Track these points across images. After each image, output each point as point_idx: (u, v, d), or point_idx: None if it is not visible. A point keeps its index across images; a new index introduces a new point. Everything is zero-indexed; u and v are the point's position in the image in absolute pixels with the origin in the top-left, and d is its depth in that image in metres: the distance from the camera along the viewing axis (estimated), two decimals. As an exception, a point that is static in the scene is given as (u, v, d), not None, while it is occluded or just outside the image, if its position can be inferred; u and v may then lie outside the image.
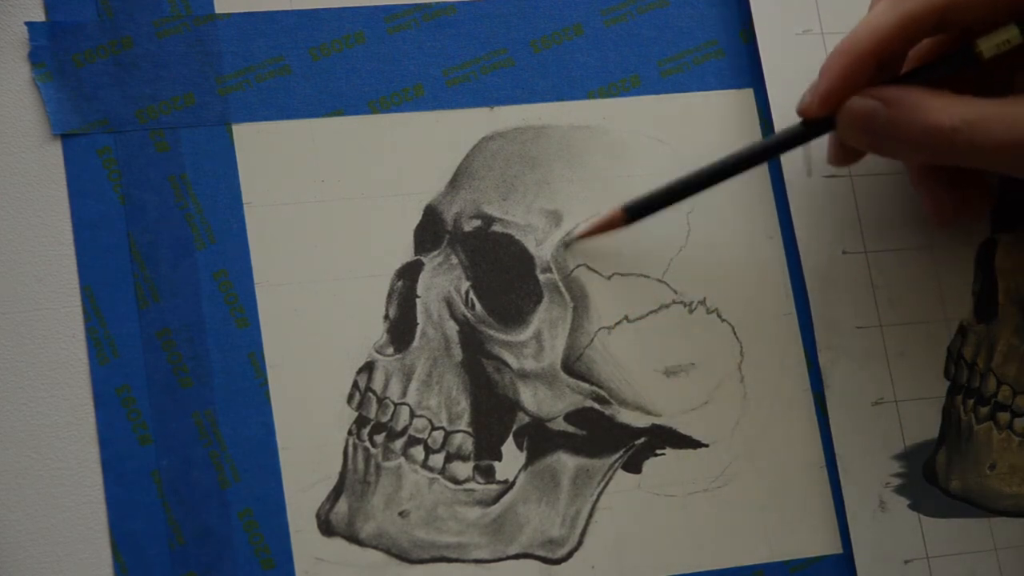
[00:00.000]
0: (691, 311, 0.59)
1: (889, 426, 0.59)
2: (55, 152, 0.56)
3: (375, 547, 0.55)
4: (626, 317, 0.59)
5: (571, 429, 0.57)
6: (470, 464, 0.57)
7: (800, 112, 0.56)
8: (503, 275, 0.58)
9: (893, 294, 0.61)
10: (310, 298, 0.57)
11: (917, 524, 0.59)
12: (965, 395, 0.61)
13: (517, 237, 0.59)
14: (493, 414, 0.57)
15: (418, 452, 0.56)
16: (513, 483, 0.57)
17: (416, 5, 0.60)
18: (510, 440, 0.57)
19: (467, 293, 0.58)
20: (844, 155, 0.58)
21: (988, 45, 0.54)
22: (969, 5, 0.53)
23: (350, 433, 0.56)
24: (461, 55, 0.60)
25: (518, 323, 0.58)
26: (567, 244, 0.59)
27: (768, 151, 0.57)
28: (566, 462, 0.57)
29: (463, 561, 0.55)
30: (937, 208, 0.59)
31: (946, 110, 0.52)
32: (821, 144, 0.61)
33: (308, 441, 0.55)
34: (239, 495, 0.54)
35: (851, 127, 0.54)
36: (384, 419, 0.56)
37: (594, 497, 0.57)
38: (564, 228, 0.59)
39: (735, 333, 0.59)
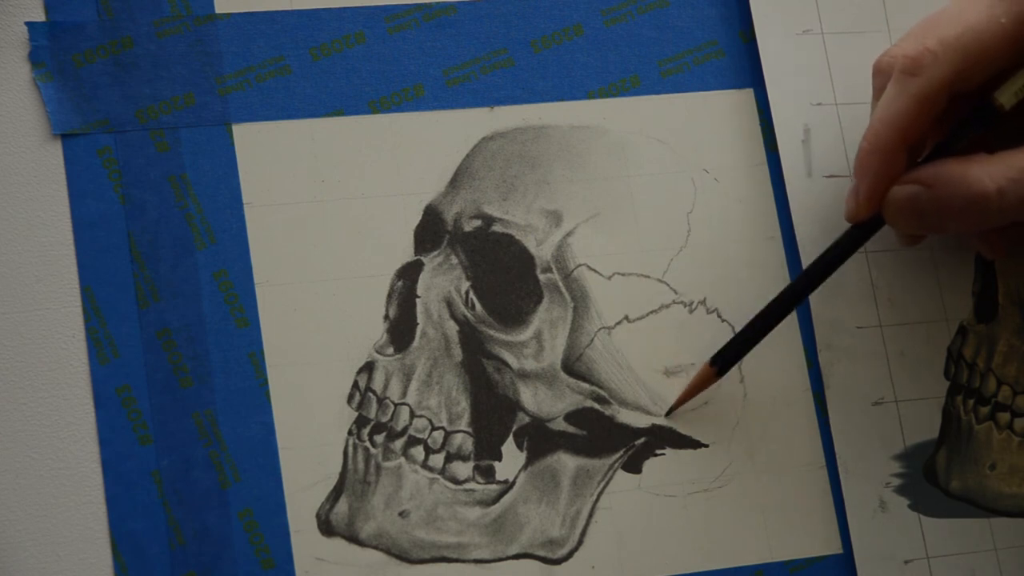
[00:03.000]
0: (691, 311, 0.59)
1: (889, 426, 0.59)
2: (55, 152, 0.56)
3: (375, 547, 0.55)
4: (626, 317, 0.59)
5: (571, 429, 0.57)
6: (470, 464, 0.56)
7: (848, 219, 0.56)
8: (503, 275, 0.58)
9: (893, 294, 0.61)
10: (310, 298, 0.57)
11: (917, 524, 0.59)
12: (965, 395, 0.61)
13: (517, 237, 0.59)
14: (493, 414, 0.57)
15: (418, 452, 0.56)
16: (513, 483, 0.57)
17: (416, 5, 0.60)
18: (510, 440, 0.57)
19: (467, 293, 0.58)
20: (912, 237, 0.59)
21: (1007, 96, 0.54)
22: (975, 68, 0.53)
23: (350, 433, 0.56)
24: (461, 55, 0.60)
25: (518, 323, 0.58)
26: (668, 414, 0.58)
27: (829, 264, 0.56)
28: (566, 462, 0.57)
29: (463, 561, 0.55)
30: (994, 249, 0.59)
31: (987, 174, 0.52)
32: (822, 144, 0.61)
33: (308, 441, 0.55)
34: (239, 495, 0.54)
35: (899, 217, 0.54)
36: (384, 419, 0.56)
37: (594, 497, 0.57)
38: (564, 228, 0.59)
39: (735, 333, 0.59)
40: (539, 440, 0.57)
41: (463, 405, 0.57)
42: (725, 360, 0.57)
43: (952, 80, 0.53)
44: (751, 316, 0.58)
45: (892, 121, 0.53)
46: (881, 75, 0.55)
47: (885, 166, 0.54)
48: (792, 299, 0.57)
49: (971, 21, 0.53)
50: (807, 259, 0.60)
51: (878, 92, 0.56)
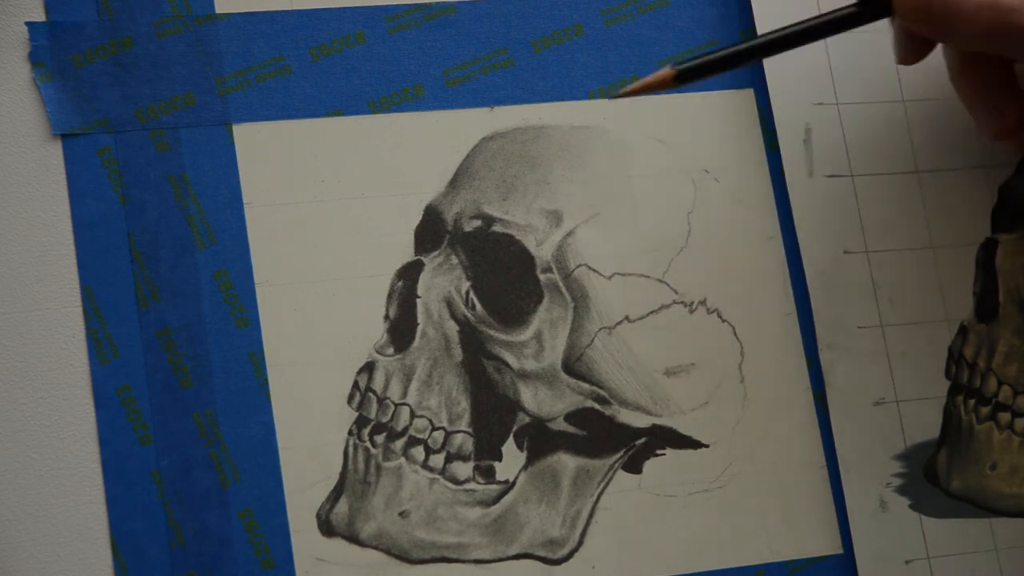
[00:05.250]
0: (691, 311, 0.59)
1: (890, 426, 0.59)
2: (55, 152, 0.56)
3: (375, 547, 0.55)
4: (626, 317, 0.59)
5: (571, 429, 0.57)
6: (470, 464, 0.56)
7: None
8: (503, 275, 0.58)
9: (894, 294, 0.61)
10: (310, 298, 0.57)
11: (918, 524, 0.58)
12: (966, 395, 0.61)
13: (517, 237, 0.59)
14: (493, 414, 0.57)
15: (418, 452, 0.56)
16: (513, 483, 0.57)
17: (416, 5, 0.60)
18: (510, 440, 0.57)
19: (467, 293, 0.58)
20: (909, 50, 0.56)
21: None
22: None
23: (350, 433, 0.56)
24: (461, 55, 0.60)
25: (518, 323, 0.58)
26: (613, 96, 0.56)
27: (823, 29, 0.54)
28: (566, 462, 0.57)
29: (463, 561, 0.55)
30: (996, 120, 0.57)
31: None
32: (823, 144, 0.61)
33: (308, 441, 0.55)
34: (239, 495, 0.54)
35: (908, 2, 0.53)
36: (384, 419, 0.56)
37: (594, 497, 0.57)
38: (564, 228, 0.59)
39: (735, 333, 0.59)
40: (539, 440, 0.57)
41: (463, 405, 0.57)
42: (688, 75, 0.53)
43: None
44: (751, 315, 0.58)
45: None
46: None
47: None
48: (774, 45, 0.54)
49: None
50: (808, 259, 0.60)
51: None
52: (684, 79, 0.53)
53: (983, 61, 0.56)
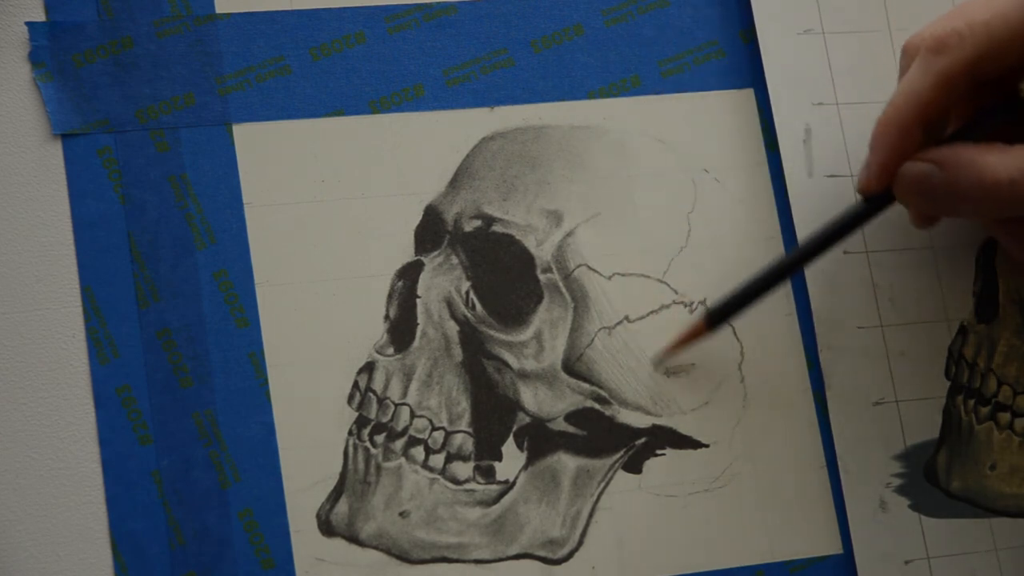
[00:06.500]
0: (691, 311, 0.59)
1: (890, 426, 0.59)
2: (55, 152, 0.56)
3: (375, 547, 0.55)
4: (626, 317, 0.59)
5: (571, 429, 0.57)
6: (470, 464, 0.56)
7: (859, 190, 0.56)
8: (503, 275, 0.58)
9: (894, 294, 0.61)
10: (310, 298, 0.57)
11: (918, 524, 0.58)
12: (966, 395, 0.61)
13: (517, 237, 0.59)
14: (493, 414, 0.57)
15: (418, 452, 0.56)
16: (513, 483, 0.57)
17: (416, 5, 0.60)
18: (510, 440, 0.57)
19: (467, 293, 0.58)
20: (925, 218, 0.58)
21: None
22: (999, 53, 0.52)
23: (350, 433, 0.56)
24: (461, 55, 0.60)
25: (518, 323, 0.58)
26: (656, 363, 0.58)
27: (835, 234, 0.56)
28: (566, 462, 0.57)
29: (463, 561, 0.55)
30: (1020, 248, 0.58)
31: (1002, 164, 0.52)
32: (823, 144, 0.61)
33: (308, 441, 0.55)
34: (239, 495, 0.54)
35: (909, 193, 0.54)
36: (384, 419, 0.56)
37: (594, 497, 0.57)
38: (564, 228, 0.59)
39: (735, 333, 0.59)
40: (539, 440, 0.57)
41: (463, 405, 0.57)
42: (717, 317, 0.57)
43: (976, 62, 0.52)
44: (751, 315, 0.58)
45: (911, 97, 0.53)
46: (908, 56, 0.55)
47: (900, 141, 0.54)
48: (793, 265, 0.57)
49: (1002, 8, 0.53)
50: (808, 259, 0.60)
51: (904, 72, 0.56)
52: (715, 322, 0.57)
53: None
